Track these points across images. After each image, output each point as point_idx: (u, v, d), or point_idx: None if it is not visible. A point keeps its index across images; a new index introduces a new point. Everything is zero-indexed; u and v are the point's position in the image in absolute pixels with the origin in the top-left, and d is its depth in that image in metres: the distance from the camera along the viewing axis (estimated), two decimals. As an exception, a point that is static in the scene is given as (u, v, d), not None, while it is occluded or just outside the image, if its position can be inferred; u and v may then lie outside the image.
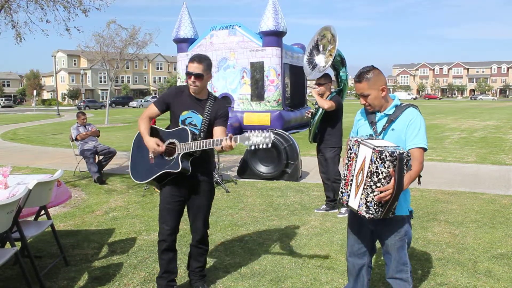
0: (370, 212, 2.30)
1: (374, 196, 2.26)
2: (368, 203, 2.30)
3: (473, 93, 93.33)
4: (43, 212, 3.71)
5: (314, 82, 5.31)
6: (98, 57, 23.23)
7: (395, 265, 2.56)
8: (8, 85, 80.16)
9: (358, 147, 2.39)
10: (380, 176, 2.24)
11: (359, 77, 2.50)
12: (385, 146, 2.25)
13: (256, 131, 2.67)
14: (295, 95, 19.44)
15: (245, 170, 7.50)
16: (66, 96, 69.41)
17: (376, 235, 2.65)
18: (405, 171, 2.26)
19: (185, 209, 3.24)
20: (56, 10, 8.98)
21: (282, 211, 5.45)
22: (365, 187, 2.30)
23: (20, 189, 3.24)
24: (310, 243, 4.27)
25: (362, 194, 2.33)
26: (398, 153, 2.21)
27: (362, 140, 2.39)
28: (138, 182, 3.15)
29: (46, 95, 74.06)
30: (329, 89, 5.23)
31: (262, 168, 7.37)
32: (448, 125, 19.23)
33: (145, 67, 77.84)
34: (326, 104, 5.01)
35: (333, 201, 5.40)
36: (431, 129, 16.55)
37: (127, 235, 4.58)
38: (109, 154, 7.61)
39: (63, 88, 69.19)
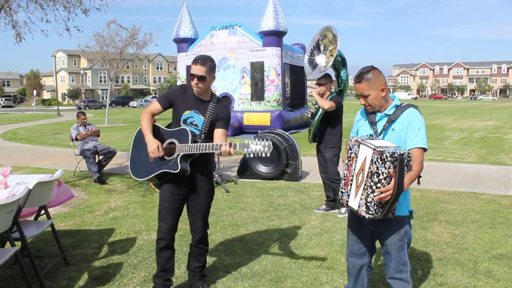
0: (370, 212, 2.30)
1: (374, 196, 2.26)
2: (368, 204, 2.30)
3: (473, 93, 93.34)
4: (43, 212, 3.71)
5: (315, 82, 5.31)
6: (98, 57, 23.23)
7: (395, 265, 2.56)
8: (8, 85, 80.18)
9: (358, 147, 2.39)
10: (381, 177, 2.23)
11: (359, 78, 2.50)
12: (386, 147, 2.25)
13: (255, 139, 2.68)
14: (295, 95, 19.47)
15: (245, 170, 7.50)
16: (66, 96, 69.42)
17: (376, 235, 2.65)
18: (405, 172, 2.26)
19: (185, 209, 3.24)
20: (56, 10, 9.02)
21: (282, 211, 5.45)
22: (365, 187, 2.30)
23: (20, 189, 3.24)
24: (310, 243, 4.27)
25: (362, 195, 2.33)
26: (398, 153, 2.20)
27: (362, 140, 2.39)
28: (136, 178, 3.15)
29: (46, 95, 74.07)
30: (330, 89, 5.23)
31: (262, 168, 7.37)
32: (448, 125, 19.23)
33: (145, 67, 77.86)
34: (326, 104, 5.01)
35: (333, 201, 5.40)
36: (431, 129, 16.56)
37: (127, 235, 4.58)
38: (109, 154, 7.62)
39: (63, 88, 69.20)
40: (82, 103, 51.05)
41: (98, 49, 22.53)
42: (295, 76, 19.15)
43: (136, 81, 77.08)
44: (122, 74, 67.90)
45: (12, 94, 73.45)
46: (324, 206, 5.47)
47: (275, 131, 7.50)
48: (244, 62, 16.53)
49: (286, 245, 4.23)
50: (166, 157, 3.00)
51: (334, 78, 5.44)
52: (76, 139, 7.71)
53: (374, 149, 2.24)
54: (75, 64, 73.40)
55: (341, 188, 2.53)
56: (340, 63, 5.30)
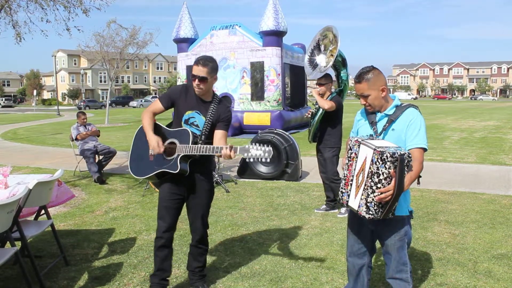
0: (370, 212, 2.30)
1: (374, 196, 2.26)
2: (368, 204, 2.30)
3: (473, 93, 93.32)
4: (43, 211, 3.71)
5: (315, 82, 5.32)
6: (98, 57, 23.23)
7: (395, 265, 2.56)
8: (8, 85, 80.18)
9: (359, 147, 2.39)
10: (381, 177, 2.23)
11: (359, 78, 2.50)
12: (386, 147, 2.25)
13: (256, 144, 2.69)
14: (295, 95, 19.47)
15: (245, 170, 7.50)
16: (66, 96, 69.42)
17: (376, 235, 2.65)
18: (406, 172, 2.26)
19: (185, 209, 3.24)
20: (56, 10, 9.00)
21: (282, 211, 5.45)
22: (366, 187, 2.30)
23: (20, 188, 3.24)
24: (310, 243, 4.27)
25: (362, 195, 2.33)
26: (399, 154, 2.20)
27: (362, 140, 2.39)
28: (136, 176, 3.15)
29: (46, 95, 74.08)
30: (330, 89, 5.23)
31: (262, 168, 7.37)
32: (448, 125, 19.23)
33: (145, 67, 77.86)
34: (327, 104, 5.01)
35: (333, 201, 5.40)
36: (431, 129, 16.55)
37: (127, 235, 4.58)
38: (109, 154, 7.62)
39: (63, 88, 69.20)
40: (82, 103, 51.04)
41: (98, 49, 22.54)
42: (295, 76, 19.14)
43: (136, 81, 77.09)
44: (122, 74, 67.90)
45: (12, 94, 73.45)
46: (324, 206, 5.47)
47: (275, 131, 7.50)
48: (244, 62, 16.52)
49: (286, 245, 4.23)
50: (166, 157, 3.01)
51: (334, 78, 5.44)
52: (76, 139, 7.71)
53: (375, 149, 2.24)
54: (75, 64, 73.41)
55: (341, 188, 2.53)
56: (340, 63, 5.30)
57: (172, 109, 3.21)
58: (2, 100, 61.51)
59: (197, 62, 2.97)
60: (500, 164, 8.74)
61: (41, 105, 62.65)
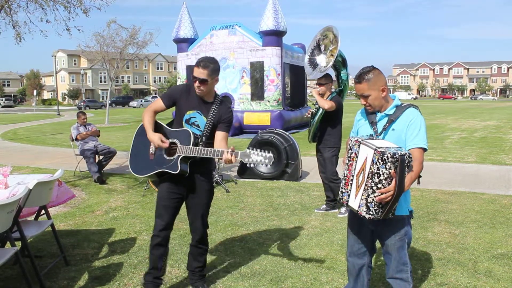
0: (370, 212, 2.30)
1: (374, 197, 2.26)
2: (368, 204, 2.30)
3: (473, 93, 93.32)
4: (43, 212, 3.71)
5: (315, 82, 5.32)
6: (98, 57, 23.22)
7: (395, 265, 2.56)
8: (8, 85, 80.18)
9: (359, 147, 2.39)
10: (381, 177, 2.23)
11: (359, 78, 2.49)
12: (387, 147, 2.25)
13: (257, 150, 2.70)
14: (295, 95, 19.47)
15: (245, 170, 7.50)
16: (66, 96, 69.43)
17: (376, 235, 2.65)
18: (406, 172, 2.26)
19: (185, 209, 3.24)
20: (56, 10, 9.00)
21: (282, 211, 5.45)
22: (366, 187, 2.30)
23: (20, 189, 3.24)
24: (310, 243, 4.27)
25: (362, 195, 2.33)
26: (399, 154, 2.20)
27: (362, 140, 2.39)
28: (136, 175, 3.16)
29: (46, 95, 74.09)
30: (330, 89, 5.23)
31: (262, 168, 7.37)
32: (448, 125, 19.23)
33: (145, 67, 77.86)
34: (327, 104, 5.01)
35: (333, 201, 5.40)
36: (431, 129, 16.55)
37: (127, 235, 4.58)
38: (109, 154, 7.62)
39: (63, 88, 69.21)
40: (82, 103, 51.04)
41: (98, 49, 22.53)
42: (295, 76, 19.14)
43: (136, 81, 77.09)
44: (122, 74, 67.89)
45: (12, 94, 73.45)
46: (324, 206, 5.47)
47: (275, 131, 7.50)
48: (243, 62, 16.52)
49: (286, 245, 4.23)
50: (166, 157, 3.01)
51: (334, 78, 5.44)
52: (76, 139, 7.71)
53: (375, 150, 2.24)
54: (75, 64, 73.40)
55: (341, 188, 2.53)
56: (340, 63, 5.30)
57: (172, 109, 3.22)
58: (2, 100, 61.50)
59: (198, 63, 2.96)
60: (500, 164, 8.74)
61: (41, 105, 62.65)
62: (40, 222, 3.77)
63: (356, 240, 2.71)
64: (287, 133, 7.53)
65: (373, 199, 2.27)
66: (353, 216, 2.70)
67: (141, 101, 56.41)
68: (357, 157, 2.40)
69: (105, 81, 68.58)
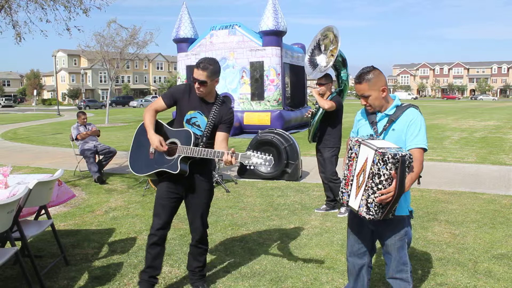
0: (371, 213, 2.30)
1: (375, 197, 2.26)
2: (368, 204, 2.30)
3: (473, 93, 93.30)
4: (43, 211, 3.71)
5: (315, 81, 5.32)
6: (99, 56, 23.22)
7: (395, 265, 2.56)
8: (9, 85, 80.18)
9: (359, 147, 2.39)
10: (382, 178, 2.23)
11: (360, 78, 2.49)
12: (388, 148, 2.25)
13: (258, 152, 2.71)
14: (295, 94, 19.47)
15: (245, 169, 7.50)
16: (66, 96, 69.41)
17: (376, 235, 2.65)
18: (406, 173, 2.26)
19: (185, 209, 3.24)
20: (56, 9, 8.99)
21: (282, 211, 5.45)
22: (366, 188, 2.30)
23: (21, 188, 3.24)
24: (310, 243, 4.27)
25: (363, 195, 2.33)
26: (400, 155, 2.20)
27: (363, 140, 2.39)
28: (135, 174, 3.16)
29: (46, 95, 74.07)
30: (330, 89, 5.23)
31: (263, 168, 7.37)
32: (448, 125, 19.22)
33: (145, 66, 77.85)
34: (327, 104, 5.01)
35: (333, 201, 5.40)
36: (431, 129, 16.55)
37: (127, 235, 4.58)
38: (109, 154, 7.62)
39: (63, 88, 69.20)
40: (82, 103, 51.04)
41: (99, 49, 22.53)
42: (295, 76, 19.14)
43: (136, 81, 77.08)
44: (122, 74, 67.89)
45: (12, 94, 73.41)
46: (324, 206, 5.47)
47: (275, 131, 7.50)
48: (243, 62, 16.52)
49: (286, 245, 4.23)
50: (166, 156, 3.01)
51: (334, 78, 5.44)
52: (76, 139, 7.71)
53: (376, 150, 2.24)
54: (75, 64, 73.38)
55: (342, 188, 2.53)
56: (340, 63, 5.30)
57: (172, 108, 3.22)
58: (2, 100, 61.49)
59: (197, 65, 2.95)
60: (500, 164, 8.74)
61: (41, 105, 62.65)
62: (40, 222, 3.77)
63: (356, 240, 2.71)
64: (287, 133, 7.53)
65: (373, 200, 2.27)
66: (353, 216, 2.70)
67: (141, 101, 56.41)
68: (357, 157, 2.40)
69: (105, 81, 68.57)
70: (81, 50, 25.21)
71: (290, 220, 5.08)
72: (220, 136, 3.06)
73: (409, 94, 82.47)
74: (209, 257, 3.83)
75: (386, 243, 2.57)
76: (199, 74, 2.94)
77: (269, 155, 2.69)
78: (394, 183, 2.22)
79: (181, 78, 17.91)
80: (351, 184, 2.44)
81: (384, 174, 2.22)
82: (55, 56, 37.56)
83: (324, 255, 3.94)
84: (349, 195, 2.46)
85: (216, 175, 6.74)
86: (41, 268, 3.53)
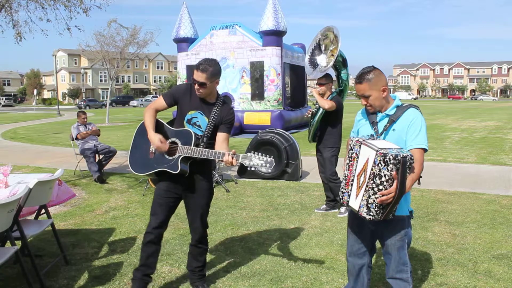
0: (371, 213, 2.30)
1: (376, 198, 2.26)
2: (369, 205, 2.30)
3: (473, 93, 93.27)
4: (43, 211, 3.71)
5: (315, 81, 5.32)
6: (99, 56, 23.23)
7: (395, 265, 2.56)
8: (9, 84, 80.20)
9: (360, 147, 2.39)
10: (383, 179, 2.23)
11: (360, 78, 2.49)
12: (389, 149, 2.24)
13: (259, 154, 2.70)
14: (295, 94, 19.46)
15: (245, 169, 7.50)
16: (66, 95, 69.41)
17: (376, 235, 2.65)
18: (407, 174, 2.25)
19: (185, 209, 3.24)
20: (57, 9, 8.98)
21: (282, 211, 5.45)
22: (367, 188, 2.30)
23: (21, 188, 3.24)
24: (310, 243, 4.27)
25: (363, 196, 2.33)
26: (401, 156, 2.20)
27: (363, 140, 2.38)
28: (135, 173, 3.16)
29: (46, 94, 74.08)
30: (330, 89, 5.23)
31: (263, 169, 7.35)
32: (448, 125, 19.22)
33: (145, 66, 77.84)
34: (327, 104, 5.01)
35: (333, 201, 5.40)
36: (431, 129, 16.55)
37: (128, 234, 4.58)
38: (110, 154, 7.62)
39: (63, 87, 69.19)
40: (82, 103, 51.06)
41: (99, 48, 22.54)
42: (295, 76, 19.14)
43: (136, 81, 77.07)
44: (122, 74, 67.88)
45: (12, 94, 73.48)
46: (324, 206, 5.47)
47: (276, 131, 7.50)
48: (243, 62, 16.53)
49: (286, 245, 4.23)
50: (167, 156, 3.01)
51: (334, 78, 5.44)
52: (77, 138, 7.71)
53: (377, 151, 2.23)
54: (75, 63, 73.37)
55: (342, 188, 2.53)
56: (340, 63, 5.30)
57: (172, 108, 3.21)
58: (2, 99, 61.51)
59: (197, 66, 2.95)
60: (500, 164, 8.74)
61: (41, 105, 62.64)
62: (40, 221, 3.77)
63: (356, 240, 2.71)
64: (287, 133, 7.53)
65: (374, 200, 2.27)
66: (353, 216, 2.70)
67: (141, 100, 56.43)
68: (357, 158, 2.40)
69: (105, 81, 68.56)
70: (82, 50, 25.21)
71: (290, 220, 5.08)
72: (220, 136, 3.06)
73: (409, 94, 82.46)
74: (209, 257, 3.83)
75: (386, 243, 2.57)
76: (199, 76, 2.93)
77: (270, 157, 2.69)
78: (395, 184, 2.22)
79: (181, 77, 17.91)
80: (352, 184, 2.44)
81: (385, 175, 2.22)
82: (55, 56, 37.58)
83: (324, 255, 3.94)
84: (349, 195, 2.46)
85: (216, 175, 6.74)
86: (41, 267, 3.53)
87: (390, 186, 2.23)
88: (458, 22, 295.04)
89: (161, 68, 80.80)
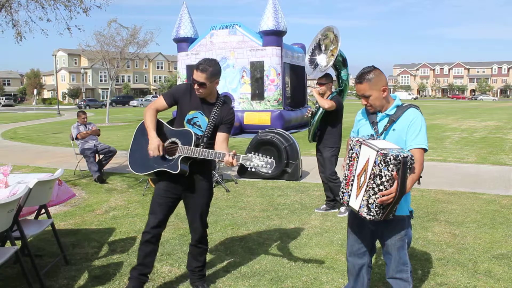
0: (371, 214, 2.30)
1: (376, 198, 2.26)
2: (369, 205, 2.29)
3: (473, 93, 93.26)
4: (43, 211, 3.71)
5: (315, 81, 5.32)
6: (99, 56, 23.23)
7: (395, 265, 2.56)
8: (9, 84, 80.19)
9: (360, 147, 2.39)
10: (383, 179, 2.23)
11: (360, 78, 2.49)
12: (390, 149, 2.24)
13: (259, 154, 2.70)
14: (295, 94, 19.46)
15: (245, 169, 7.50)
16: (66, 95, 69.40)
17: (376, 235, 2.65)
18: (408, 175, 2.25)
19: (184, 209, 3.24)
20: (57, 9, 8.97)
21: (282, 211, 5.45)
22: (368, 189, 2.30)
23: (21, 188, 3.24)
24: (310, 243, 4.27)
25: (364, 196, 2.33)
26: (402, 156, 2.20)
27: (364, 140, 2.38)
28: (135, 173, 3.15)
29: (46, 94, 74.07)
30: (330, 89, 5.23)
31: (263, 169, 7.35)
32: (448, 125, 19.22)
33: (145, 66, 77.82)
34: (327, 103, 5.01)
35: (333, 200, 5.40)
36: (431, 129, 16.55)
37: (127, 234, 4.58)
38: (110, 153, 7.62)
39: (63, 87, 69.18)
40: (82, 102, 51.06)
41: (99, 48, 22.54)
42: (295, 76, 19.14)
43: (136, 80, 77.06)
44: (122, 73, 67.86)
45: (12, 93, 73.47)
46: (324, 206, 5.47)
47: (276, 131, 7.50)
48: (243, 62, 16.53)
49: (286, 245, 4.23)
50: (166, 156, 3.00)
51: (334, 78, 5.44)
52: (77, 138, 7.71)
53: (378, 151, 2.23)
54: (75, 63, 73.36)
55: (342, 188, 2.53)
56: (340, 63, 5.30)
57: (173, 108, 3.21)
58: (2, 99, 61.51)
59: (197, 66, 2.95)
60: (500, 164, 8.74)
61: (41, 104, 62.63)
62: (40, 221, 3.77)
63: (356, 240, 2.71)
64: (287, 132, 7.53)
65: (374, 201, 2.27)
66: (353, 216, 2.70)
67: (141, 100, 56.43)
68: (358, 158, 2.40)
69: (105, 81, 68.56)
70: (82, 50, 25.22)
71: (290, 219, 5.08)
72: (220, 136, 3.06)
73: (409, 94, 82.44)
74: (209, 257, 3.83)
75: (386, 243, 2.57)
76: (198, 76, 2.93)
77: (270, 158, 2.69)
78: (395, 184, 2.22)
79: (181, 77, 17.91)
80: (352, 184, 2.44)
81: (385, 175, 2.22)
82: (55, 56, 37.57)
83: (324, 255, 3.94)
84: (349, 195, 2.46)
85: (216, 175, 6.74)
86: (41, 267, 3.53)
87: (391, 186, 2.23)
88: (458, 22, 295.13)
89: (161, 68, 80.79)
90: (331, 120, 5.21)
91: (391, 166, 2.19)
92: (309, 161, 8.70)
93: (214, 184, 6.65)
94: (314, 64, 5.43)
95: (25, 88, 76.03)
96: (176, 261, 3.81)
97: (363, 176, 2.34)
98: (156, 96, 54.33)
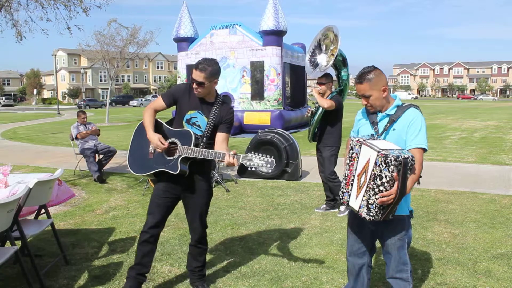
0: (371, 214, 2.30)
1: (376, 199, 2.26)
2: (369, 205, 2.29)
3: (473, 93, 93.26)
4: (43, 211, 3.71)
5: (315, 81, 5.32)
6: (99, 56, 23.22)
7: (395, 264, 2.56)
8: (9, 84, 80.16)
9: (360, 148, 2.38)
10: (384, 180, 2.23)
11: (360, 78, 2.49)
12: (390, 150, 2.24)
13: (259, 154, 2.70)
14: (295, 94, 19.46)
15: (245, 169, 7.50)
16: (66, 95, 69.37)
17: (376, 235, 2.65)
18: (408, 175, 2.25)
19: (184, 209, 3.24)
20: (57, 8, 8.97)
21: (282, 211, 5.45)
22: (368, 189, 2.30)
23: (20, 188, 3.24)
24: (310, 243, 4.27)
25: (364, 196, 2.32)
26: (403, 157, 2.19)
27: (364, 140, 2.38)
28: (134, 173, 3.15)
29: (46, 94, 74.04)
30: (330, 88, 5.23)
31: (264, 169, 7.35)
32: (448, 125, 19.22)
33: (145, 66, 77.80)
34: (326, 103, 5.01)
35: (333, 200, 5.40)
36: (431, 129, 16.55)
37: (127, 234, 4.58)
38: (109, 153, 7.62)
39: (63, 87, 69.15)
40: (82, 102, 51.06)
41: (99, 48, 22.54)
42: (295, 76, 19.14)
43: (136, 80, 77.03)
44: (122, 73, 67.82)
45: (12, 93, 73.44)
46: (324, 206, 5.47)
47: (275, 131, 7.50)
48: (244, 62, 16.53)
49: (286, 245, 4.23)
50: (166, 156, 3.00)
51: (334, 77, 5.44)
52: (76, 138, 7.71)
53: (379, 152, 2.23)
54: (75, 63, 73.33)
55: (342, 188, 2.53)
56: (341, 63, 5.30)
57: (172, 108, 3.21)
58: (2, 99, 61.49)
59: (196, 66, 2.94)
60: (500, 164, 8.74)
61: (41, 104, 62.62)
62: (40, 221, 3.77)
63: (356, 240, 2.71)
64: (287, 132, 7.53)
65: (374, 201, 2.27)
66: (353, 215, 2.70)
67: (141, 100, 56.41)
68: (358, 158, 2.40)
69: (105, 80, 68.54)
70: (81, 49, 25.19)
71: (290, 219, 5.08)
72: (220, 136, 3.05)
73: (409, 94, 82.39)
74: (209, 257, 3.83)
75: (386, 243, 2.57)
76: (197, 75, 2.93)
77: (270, 157, 2.69)
78: (395, 185, 2.22)
79: (181, 77, 17.91)
80: (352, 184, 2.44)
81: (386, 176, 2.22)
82: (55, 55, 37.55)
83: (324, 255, 3.94)
84: (349, 195, 2.45)
85: (216, 175, 6.74)
86: (41, 267, 3.53)
87: (391, 187, 2.23)
88: (458, 22, 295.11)
89: (161, 67, 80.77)
90: (331, 120, 5.21)
91: (392, 167, 2.19)
92: (309, 161, 8.70)
93: (214, 184, 6.65)
94: (314, 63, 5.43)
95: (25, 88, 76.01)
96: (176, 261, 3.81)
97: (363, 176, 2.34)
98: (156, 96, 54.35)
